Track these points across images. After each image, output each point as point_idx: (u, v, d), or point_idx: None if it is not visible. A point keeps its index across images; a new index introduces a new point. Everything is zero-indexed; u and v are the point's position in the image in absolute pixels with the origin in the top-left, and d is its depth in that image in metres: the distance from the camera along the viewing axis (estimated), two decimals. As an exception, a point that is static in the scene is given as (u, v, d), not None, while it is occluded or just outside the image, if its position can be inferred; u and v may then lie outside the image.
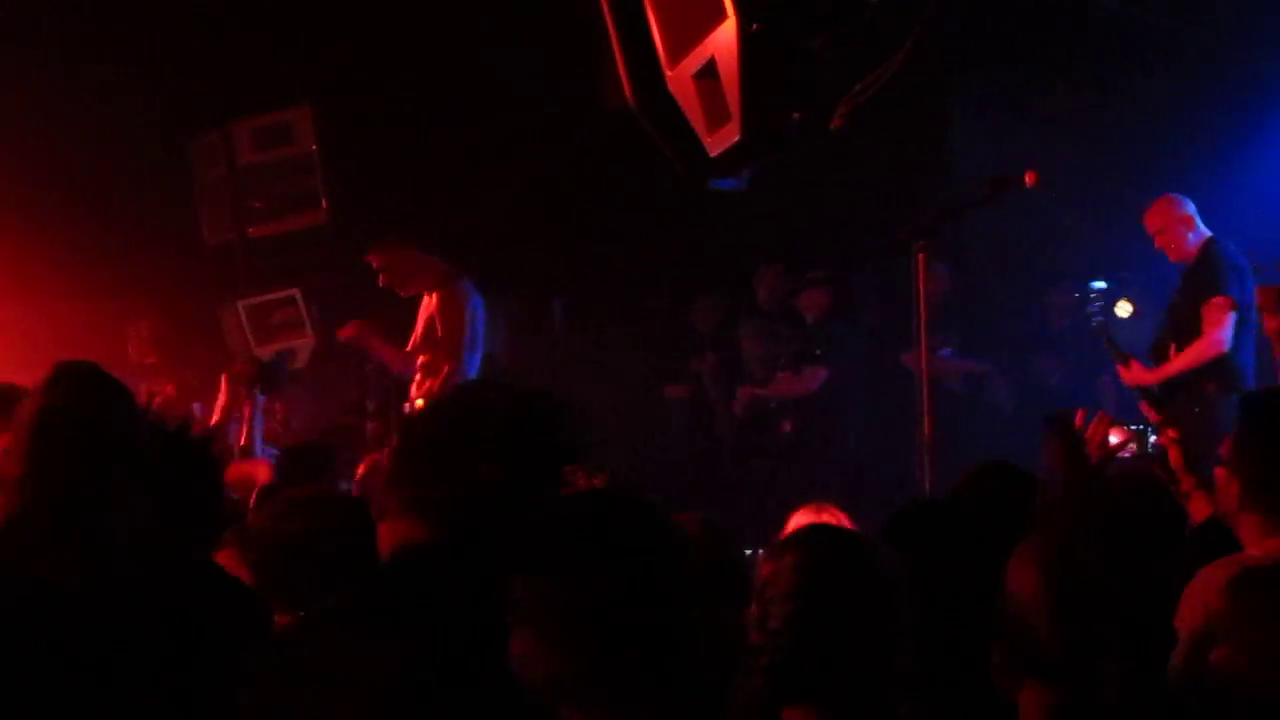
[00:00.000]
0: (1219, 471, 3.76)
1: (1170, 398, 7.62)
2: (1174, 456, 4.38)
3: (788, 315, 10.12)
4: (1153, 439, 7.47)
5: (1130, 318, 9.47)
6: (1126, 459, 4.24)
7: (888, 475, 8.24)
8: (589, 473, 4.06)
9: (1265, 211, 8.05)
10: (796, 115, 5.01)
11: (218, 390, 7.53)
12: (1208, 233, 7.79)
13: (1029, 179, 6.62)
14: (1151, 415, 7.44)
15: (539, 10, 9.21)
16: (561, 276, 11.03)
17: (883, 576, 2.77)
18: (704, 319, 10.80)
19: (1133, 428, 7.59)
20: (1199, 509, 4.18)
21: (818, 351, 9.64)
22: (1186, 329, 7.72)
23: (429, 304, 8.41)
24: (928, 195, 8.64)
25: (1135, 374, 7.85)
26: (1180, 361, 7.69)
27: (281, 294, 10.50)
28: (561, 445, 3.04)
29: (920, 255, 6.40)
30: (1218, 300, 7.56)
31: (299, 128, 10.47)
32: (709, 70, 5.03)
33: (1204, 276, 7.70)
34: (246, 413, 6.68)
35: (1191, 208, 7.84)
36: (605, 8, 5.44)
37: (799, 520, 4.44)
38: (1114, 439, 4.28)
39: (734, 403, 10.18)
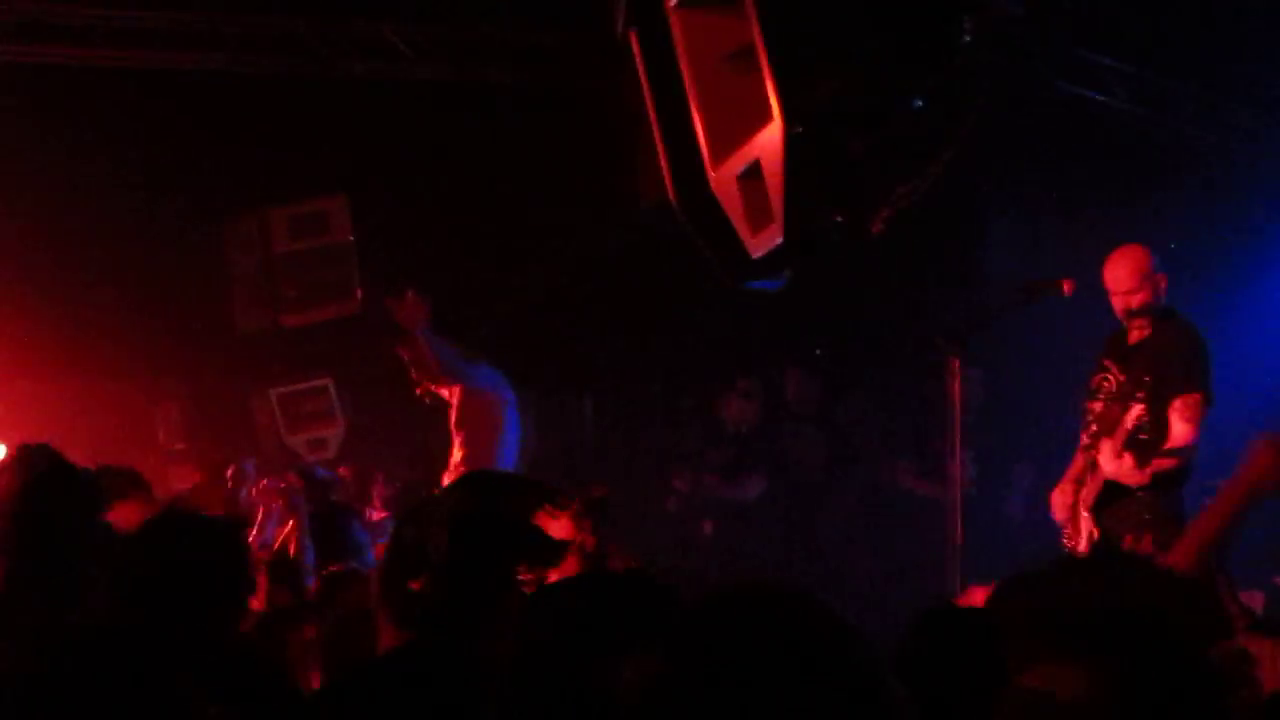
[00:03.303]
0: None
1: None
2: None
3: (818, 416, 10.12)
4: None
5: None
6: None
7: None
8: (624, 555, 3.96)
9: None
10: (839, 218, 5.01)
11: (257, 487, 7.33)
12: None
13: (1066, 287, 6.59)
14: None
15: (577, 106, 9.30)
16: (592, 374, 11.03)
17: None
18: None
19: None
20: None
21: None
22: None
23: (453, 398, 8.04)
24: (962, 301, 8.64)
25: None
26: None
27: (314, 383, 10.52)
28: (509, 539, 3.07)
29: (955, 360, 6.38)
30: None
31: (335, 217, 10.54)
32: (753, 172, 5.04)
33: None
34: (294, 522, 6.32)
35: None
36: (650, 107, 5.46)
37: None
38: None
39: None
